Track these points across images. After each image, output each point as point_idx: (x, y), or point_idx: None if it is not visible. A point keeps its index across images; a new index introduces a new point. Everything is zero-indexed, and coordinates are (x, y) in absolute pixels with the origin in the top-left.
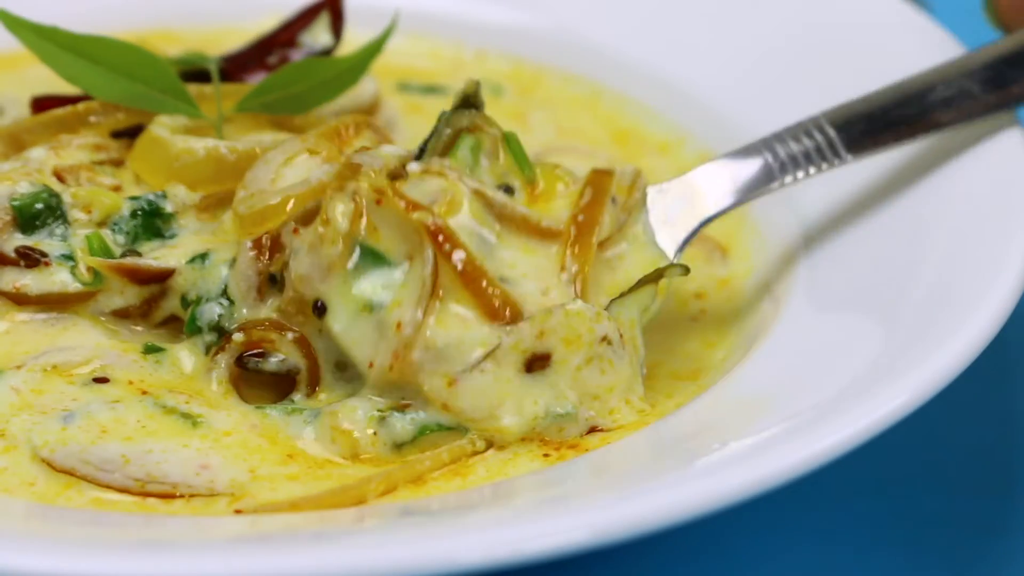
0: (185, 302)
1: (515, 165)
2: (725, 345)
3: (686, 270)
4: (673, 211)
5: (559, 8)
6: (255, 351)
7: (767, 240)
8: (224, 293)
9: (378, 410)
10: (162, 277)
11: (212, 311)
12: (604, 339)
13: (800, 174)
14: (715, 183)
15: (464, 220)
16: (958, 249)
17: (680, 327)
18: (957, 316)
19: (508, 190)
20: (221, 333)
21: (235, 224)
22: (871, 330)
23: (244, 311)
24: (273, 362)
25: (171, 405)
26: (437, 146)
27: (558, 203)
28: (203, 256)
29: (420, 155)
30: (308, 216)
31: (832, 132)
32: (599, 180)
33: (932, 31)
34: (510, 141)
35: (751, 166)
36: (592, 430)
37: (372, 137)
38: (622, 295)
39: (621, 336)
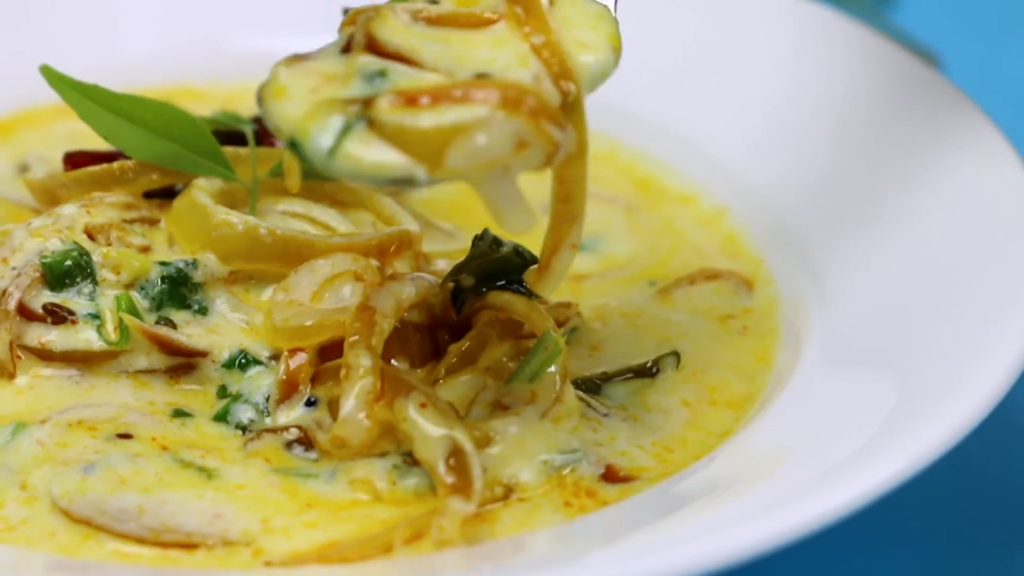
0: (224, 392)
1: None
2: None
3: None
4: None
5: None
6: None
7: (781, 291)
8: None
9: (394, 465)
10: (193, 355)
11: (247, 412)
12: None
13: None
14: None
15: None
16: (973, 303)
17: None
18: (970, 371)
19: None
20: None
21: (268, 327)
22: (886, 385)
23: (281, 418)
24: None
25: (188, 459)
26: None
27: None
28: (244, 359)
29: (455, 300)
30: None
31: None
32: None
33: (944, 89)
34: None
35: None
36: (608, 469)
37: (412, 260)
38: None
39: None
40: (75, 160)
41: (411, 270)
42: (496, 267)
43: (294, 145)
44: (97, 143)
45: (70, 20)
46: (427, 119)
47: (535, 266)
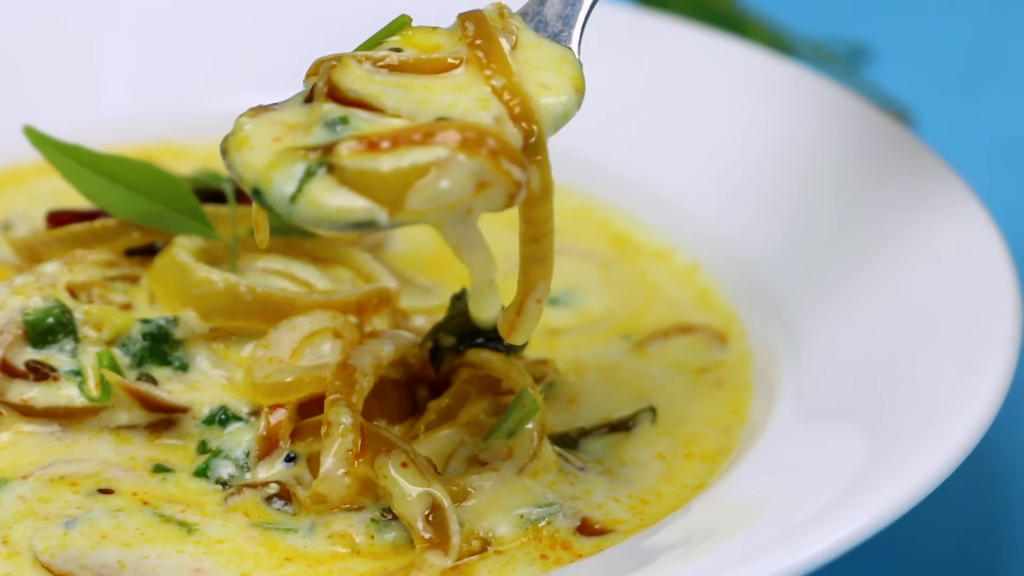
0: (204, 447)
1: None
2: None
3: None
4: (553, 19)
5: None
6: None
7: (754, 345)
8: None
9: (372, 519)
10: (173, 411)
11: (227, 467)
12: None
13: None
14: None
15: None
16: (942, 359)
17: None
18: (938, 424)
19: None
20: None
21: (248, 384)
22: (856, 439)
23: (261, 474)
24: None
25: (168, 514)
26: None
27: (446, 49)
28: (224, 414)
29: (433, 358)
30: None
31: None
32: (470, 15)
33: (914, 147)
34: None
35: None
36: (584, 522)
37: (390, 318)
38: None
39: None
40: (57, 218)
41: (389, 327)
42: (474, 325)
43: (258, 194)
44: (79, 201)
45: (52, 79)
46: (387, 162)
47: (509, 309)
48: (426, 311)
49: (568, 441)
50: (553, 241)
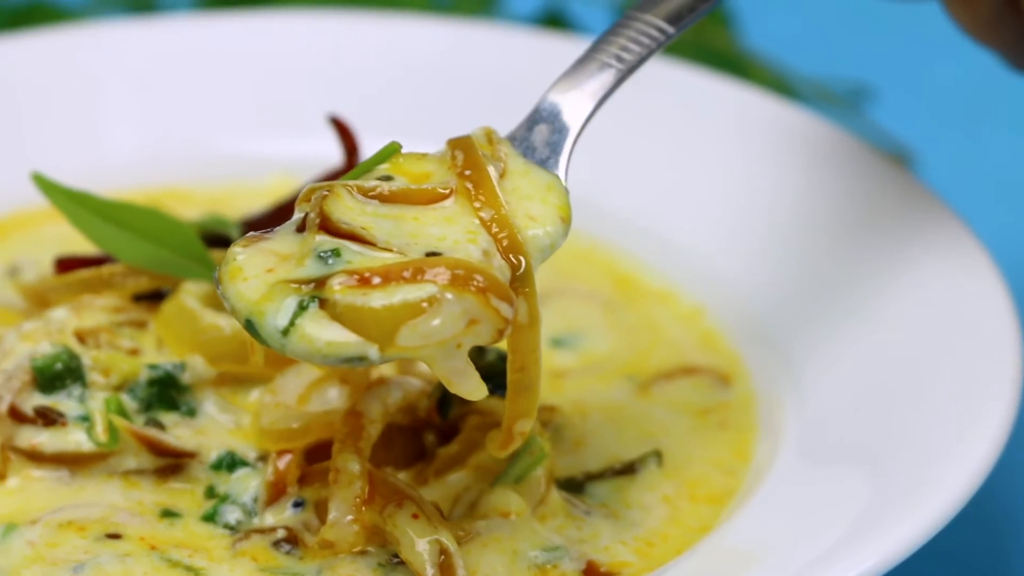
0: (211, 492)
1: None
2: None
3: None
4: (541, 145)
5: None
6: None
7: (758, 387)
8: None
9: (379, 563)
10: (181, 456)
11: (235, 512)
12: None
13: (629, 56)
14: (564, 102)
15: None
16: (946, 401)
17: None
18: (940, 469)
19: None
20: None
21: (256, 429)
22: (860, 481)
23: (268, 519)
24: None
25: (176, 559)
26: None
27: (435, 178)
28: (232, 460)
29: (441, 407)
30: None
31: (648, 17)
32: (459, 142)
33: (914, 189)
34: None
35: (588, 71)
36: (589, 565)
37: (397, 363)
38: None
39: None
40: (65, 264)
41: (396, 372)
42: (481, 374)
43: (251, 325)
44: (87, 247)
45: (59, 124)
46: (378, 299)
47: (498, 432)
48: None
49: (574, 485)
50: (540, 370)
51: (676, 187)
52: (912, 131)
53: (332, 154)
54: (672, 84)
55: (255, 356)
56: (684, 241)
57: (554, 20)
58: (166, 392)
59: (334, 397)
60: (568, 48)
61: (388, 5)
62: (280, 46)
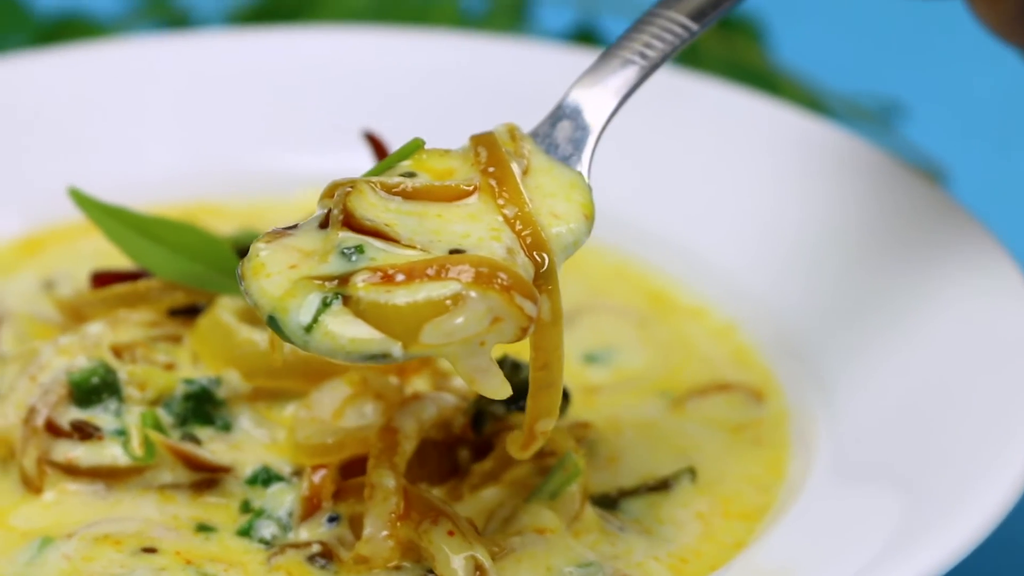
0: (246, 507)
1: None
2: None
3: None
4: (564, 141)
5: None
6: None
7: (791, 403)
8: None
9: None
10: (216, 470)
11: (270, 527)
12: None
13: (652, 53)
14: (587, 98)
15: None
16: (979, 419)
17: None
18: (973, 487)
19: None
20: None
21: (291, 444)
22: (894, 499)
23: (303, 534)
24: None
25: (211, 573)
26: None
27: (459, 175)
28: (267, 474)
29: (476, 422)
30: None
31: (672, 13)
32: (482, 139)
33: (946, 205)
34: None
35: (611, 67)
36: None
37: (431, 378)
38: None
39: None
40: (102, 279)
41: (430, 387)
42: (516, 391)
43: (273, 321)
44: (122, 261)
45: (95, 139)
46: (402, 296)
47: (520, 432)
48: None
49: (608, 501)
50: (562, 368)
51: (708, 203)
52: (944, 147)
53: (365, 169)
54: (704, 100)
55: (277, 352)
56: (716, 257)
57: (585, 36)
58: (201, 407)
59: (369, 412)
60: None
61: (420, 21)
62: (313, 62)
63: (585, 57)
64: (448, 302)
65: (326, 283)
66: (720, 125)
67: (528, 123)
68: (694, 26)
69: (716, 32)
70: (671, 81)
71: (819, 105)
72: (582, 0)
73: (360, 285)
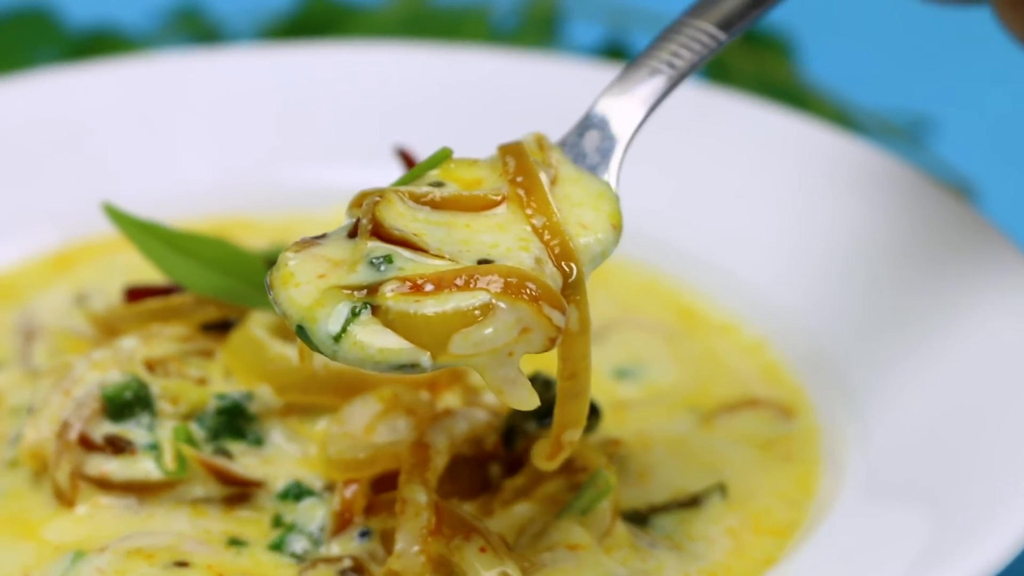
0: (278, 521)
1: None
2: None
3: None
4: (591, 151)
5: None
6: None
7: (821, 420)
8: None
9: None
10: (248, 485)
11: (301, 542)
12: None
13: (680, 62)
14: (615, 108)
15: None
16: (1010, 437)
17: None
18: (1003, 506)
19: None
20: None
21: (322, 459)
22: (923, 517)
23: (335, 548)
24: None
25: None
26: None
27: (487, 184)
28: (298, 489)
29: (507, 438)
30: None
31: (700, 22)
32: (511, 148)
33: (975, 223)
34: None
35: (639, 77)
36: None
37: (462, 394)
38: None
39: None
40: (135, 294)
41: (461, 403)
42: (547, 406)
43: (302, 331)
44: (154, 275)
45: (127, 153)
46: (431, 306)
47: (546, 441)
48: None
49: (639, 517)
50: (589, 378)
51: (738, 219)
52: (973, 163)
53: None
54: (734, 116)
55: (306, 362)
56: (746, 273)
57: (615, 51)
58: (234, 421)
59: (400, 428)
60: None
61: (450, 36)
62: (344, 77)
63: (614, 72)
64: (477, 312)
65: (355, 293)
66: (750, 141)
67: (558, 137)
68: (722, 35)
69: (745, 48)
70: (701, 97)
71: (848, 121)
72: (612, 16)
73: (389, 295)
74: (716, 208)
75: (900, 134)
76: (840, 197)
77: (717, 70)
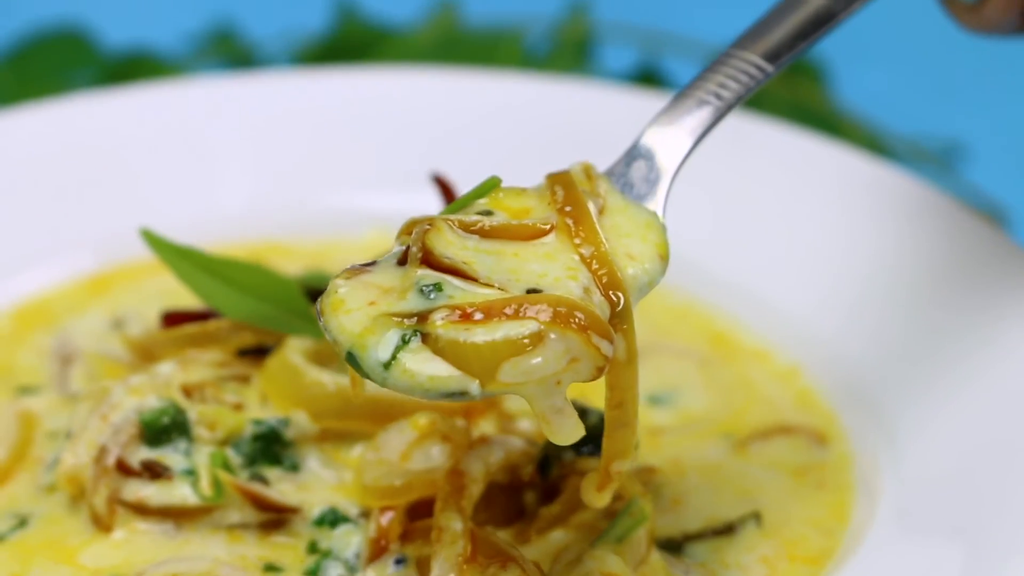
0: (314, 547)
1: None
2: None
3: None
4: (639, 181)
5: None
6: None
7: (854, 447)
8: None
9: None
10: (284, 511)
11: (337, 568)
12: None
13: (727, 93)
14: (662, 138)
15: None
16: None
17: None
18: None
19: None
20: None
21: (358, 486)
22: (956, 547)
23: (370, 575)
24: None
25: None
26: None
27: (535, 214)
28: (334, 516)
29: (543, 467)
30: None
31: (747, 54)
32: (559, 178)
33: (1008, 249)
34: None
35: (686, 107)
36: None
37: (497, 421)
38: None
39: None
40: (172, 319)
41: (496, 430)
42: (583, 434)
43: (352, 358)
44: (190, 300)
45: (162, 177)
46: (480, 335)
47: (596, 473)
48: (532, 414)
49: (673, 545)
50: (637, 407)
51: (772, 246)
52: (1005, 190)
53: (431, 210)
54: (769, 143)
55: (357, 389)
56: (780, 300)
57: (648, 76)
58: (270, 447)
59: (436, 455)
60: (663, 105)
61: (484, 61)
62: (379, 102)
63: (647, 97)
64: (526, 341)
65: (405, 320)
66: (784, 168)
67: (593, 163)
68: (769, 67)
69: (779, 74)
70: (735, 124)
71: (881, 147)
72: (645, 41)
73: (439, 323)
74: (748, 234)
75: (932, 160)
76: (874, 223)
77: (751, 97)
